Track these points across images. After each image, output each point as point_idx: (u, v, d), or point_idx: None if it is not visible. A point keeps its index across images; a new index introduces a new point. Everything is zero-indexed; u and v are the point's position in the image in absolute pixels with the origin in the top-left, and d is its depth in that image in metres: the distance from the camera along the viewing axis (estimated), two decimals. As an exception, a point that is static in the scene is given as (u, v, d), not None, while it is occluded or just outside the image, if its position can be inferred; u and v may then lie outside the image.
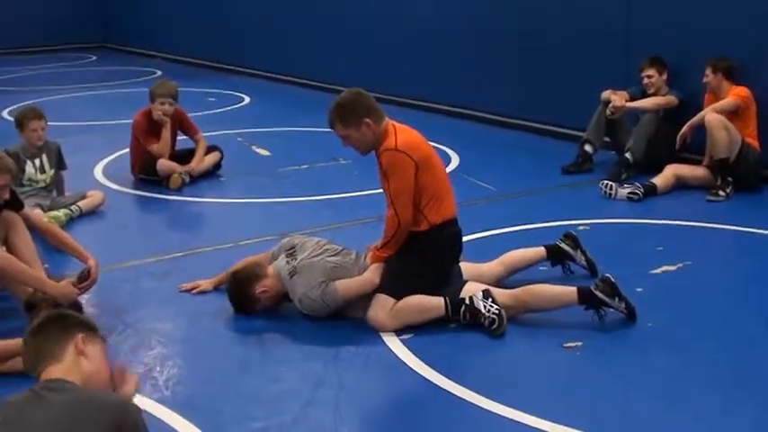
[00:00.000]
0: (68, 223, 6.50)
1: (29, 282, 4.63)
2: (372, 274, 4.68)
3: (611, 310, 4.59)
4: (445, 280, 4.76)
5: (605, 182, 7.04)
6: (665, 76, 7.69)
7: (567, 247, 5.25)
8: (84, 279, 4.78)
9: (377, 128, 4.66)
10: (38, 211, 5.91)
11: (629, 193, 6.92)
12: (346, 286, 4.66)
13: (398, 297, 4.61)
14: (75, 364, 2.78)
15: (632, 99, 7.72)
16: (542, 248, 5.26)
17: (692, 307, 4.90)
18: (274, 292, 4.82)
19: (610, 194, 6.96)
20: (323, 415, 3.79)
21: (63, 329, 2.86)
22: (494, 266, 5.09)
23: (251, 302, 4.82)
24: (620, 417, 3.76)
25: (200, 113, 10.94)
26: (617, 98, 7.66)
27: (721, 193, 6.89)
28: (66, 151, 6.88)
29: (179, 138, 7.91)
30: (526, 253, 5.23)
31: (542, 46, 9.27)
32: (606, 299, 4.57)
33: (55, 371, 2.74)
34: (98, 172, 8.09)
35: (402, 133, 4.71)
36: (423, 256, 4.69)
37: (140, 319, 4.86)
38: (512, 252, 5.20)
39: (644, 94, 7.73)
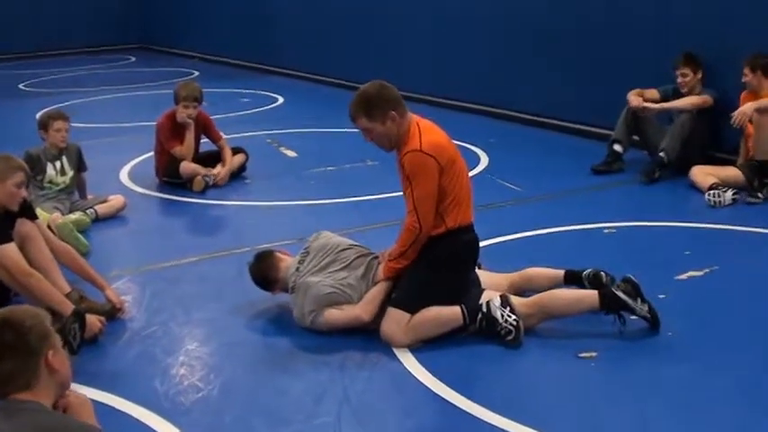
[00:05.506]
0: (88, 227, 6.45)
1: (53, 306, 4.36)
2: (362, 310, 4.50)
3: (633, 317, 4.39)
4: (462, 289, 4.54)
5: (713, 191, 6.58)
6: (699, 75, 7.45)
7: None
8: (111, 316, 4.74)
9: (402, 122, 4.43)
10: (53, 220, 5.89)
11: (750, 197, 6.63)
12: (333, 320, 4.53)
13: (413, 311, 4.40)
14: (46, 386, 2.55)
15: (664, 97, 7.54)
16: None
17: (716, 316, 4.69)
18: (284, 287, 4.81)
19: (719, 202, 6.53)
20: (323, 430, 3.67)
21: (29, 354, 2.54)
22: (515, 280, 4.84)
23: (268, 286, 4.94)
24: (634, 432, 3.60)
25: (232, 114, 10.95)
26: (634, 98, 7.50)
27: (760, 195, 6.64)
28: (96, 153, 6.84)
29: (202, 140, 7.84)
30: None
31: (572, 44, 9.10)
32: (628, 300, 4.35)
33: (24, 395, 2.52)
34: (124, 174, 8.04)
35: (427, 133, 4.44)
36: (436, 264, 4.45)
37: (146, 326, 4.77)
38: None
39: (675, 92, 7.52)
